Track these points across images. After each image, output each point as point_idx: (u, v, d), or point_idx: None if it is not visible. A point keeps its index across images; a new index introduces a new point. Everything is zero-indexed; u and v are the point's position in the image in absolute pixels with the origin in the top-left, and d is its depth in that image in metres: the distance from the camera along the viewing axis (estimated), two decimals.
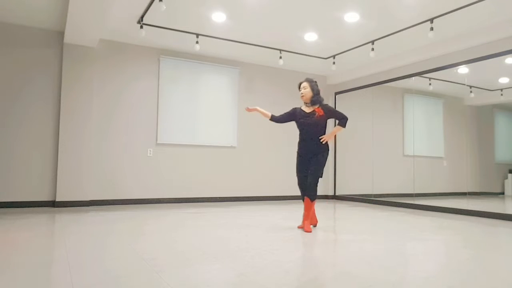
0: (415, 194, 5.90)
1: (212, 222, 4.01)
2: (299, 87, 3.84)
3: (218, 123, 6.42)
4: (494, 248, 2.95)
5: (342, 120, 3.74)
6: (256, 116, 6.76)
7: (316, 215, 4.05)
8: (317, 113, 3.72)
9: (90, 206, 5.31)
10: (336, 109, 7.38)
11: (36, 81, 5.21)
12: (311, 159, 3.72)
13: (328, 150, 3.77)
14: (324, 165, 3.75)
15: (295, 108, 3.88)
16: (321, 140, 3.70)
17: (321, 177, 3.73)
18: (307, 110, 3.79)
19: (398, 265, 2.36)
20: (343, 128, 3.78)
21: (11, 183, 5.01)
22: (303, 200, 3.75)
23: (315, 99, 3.75)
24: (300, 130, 3.82)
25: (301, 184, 3.80)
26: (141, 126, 5.84)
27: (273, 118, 3.87)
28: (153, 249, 2.70)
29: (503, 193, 5.30)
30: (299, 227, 3.75)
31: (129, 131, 5.75)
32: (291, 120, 3.88)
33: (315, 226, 3.85)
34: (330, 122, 3.97)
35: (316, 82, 3.84)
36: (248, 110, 3.90)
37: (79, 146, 5.31)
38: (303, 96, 3.78)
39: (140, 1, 4.42)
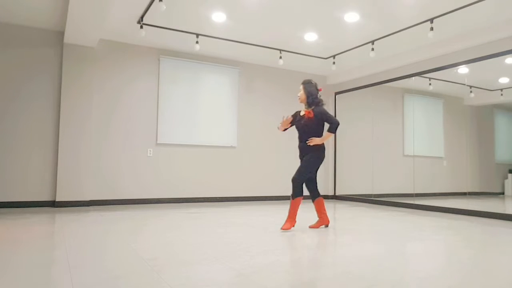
0: (415, 194, 5.90)
1: (212, 222, 4.01)
2: None
3: (218, 123, 6.42)
4: (494, 248, 2.95)
5: (331, 126, 3.65)
6: (256, 116, 6.77)
7: (313, 216, 4.04)
8: (306, 116, 3.73)
9: (90, 206, 5.31)
10: (335, 110, 7.41)
11: (36, 81, 5.20)
12: (302, 160, 3.78)
13: (319, 152, 3.67)
14: (313, 167, 3.69)
15: (297, 111, 3.93)
16: (307, 143, 3.67)
17: (305, 178, 3.65)
18: (302, 112, 3.85)
19: (398, 265, 2.36)
20: (333, 134, 3.69)
21: (11, 183, 5.01)
22: (313, 201, 3.83)
23: (310, 101, 3.74)
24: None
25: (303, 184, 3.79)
26: (141, 126, 5.84)
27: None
28: (153, 249, 2.70)
29: (503, 193, 5.30)
30: (310, 227, 3.77)
31: (129, 131, 5.75)
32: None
33: (326, 226, 3.83)
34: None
35: (311, 83, 3.79)
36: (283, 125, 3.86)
37: (79, 146, 5.31)
38: (299, 98, 3.85)
39: (140, 1, 4.42)
